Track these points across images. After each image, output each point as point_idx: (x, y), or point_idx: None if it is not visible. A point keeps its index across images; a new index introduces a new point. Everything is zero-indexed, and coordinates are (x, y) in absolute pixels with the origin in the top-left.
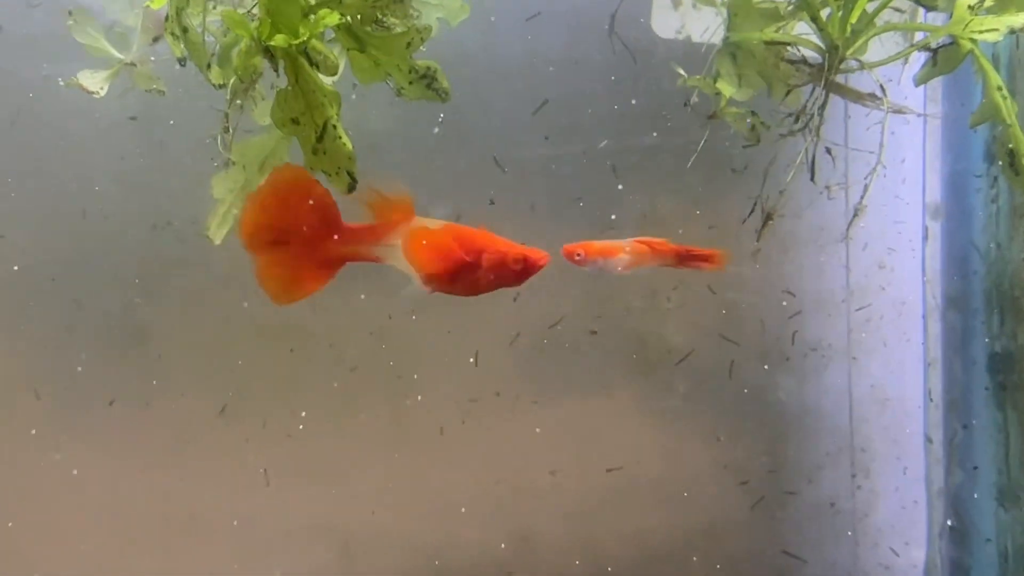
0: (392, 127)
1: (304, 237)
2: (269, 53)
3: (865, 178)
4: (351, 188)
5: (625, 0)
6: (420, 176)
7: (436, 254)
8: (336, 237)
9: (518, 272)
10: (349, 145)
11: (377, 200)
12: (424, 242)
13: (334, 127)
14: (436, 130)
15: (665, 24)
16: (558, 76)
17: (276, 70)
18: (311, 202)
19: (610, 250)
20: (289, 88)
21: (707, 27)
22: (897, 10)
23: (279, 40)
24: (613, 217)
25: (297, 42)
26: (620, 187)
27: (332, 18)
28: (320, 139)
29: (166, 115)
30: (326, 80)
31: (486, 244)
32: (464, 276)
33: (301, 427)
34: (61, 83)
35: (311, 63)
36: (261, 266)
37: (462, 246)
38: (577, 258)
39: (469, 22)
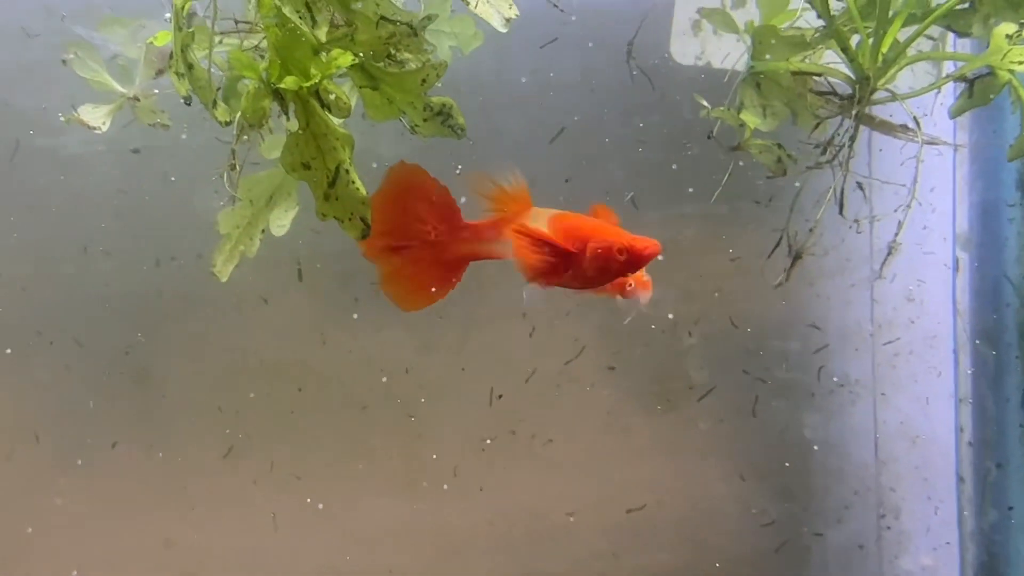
0: (408, 155)
1: (426, 239)
2: (279, 95)
3: (896, 211)
4: (364, 234)
5: (643, 26)
6: None
7: (534, 247)
8: (458, 236)
9: (624, 263)
10: (363, 190)
11: (495, 192)
12: (522, 235)
13: (347, 171)
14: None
15: (684, 50)
16: (575, 103)
17: (286, 113)
18: (430, 201)
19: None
20: (300, 131)
21: (727, 53)
22: (928, 37)
23: (290, 83)
24: None
25: (308, 84)
26: (639, 216)
27: (345, 59)
28: (332, 184)
29: (170, 147)
30: (338, 121)
31: (592, 234)
32: (567, 269)
33: (310, 468)
34: (62, 118)
35: (323, 105)
36: (384, 275)
37: (566, 237)
38: (629, 288)
39: (483, 49)
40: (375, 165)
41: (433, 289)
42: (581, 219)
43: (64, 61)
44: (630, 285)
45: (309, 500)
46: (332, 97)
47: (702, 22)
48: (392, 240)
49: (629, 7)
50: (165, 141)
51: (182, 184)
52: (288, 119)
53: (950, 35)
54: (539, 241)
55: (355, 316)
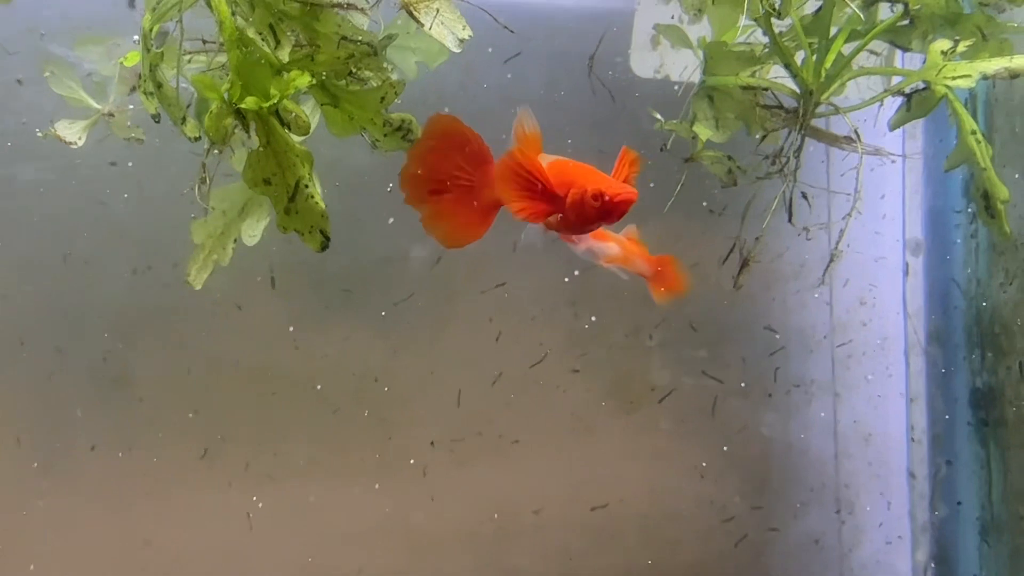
0: (377, 164)
1: (462, 184)
2: (240, 115)
3: (842, 220)
4: (324, 246)
5: (604, 40)
6: (400, 215)
7: (517, 184)
8: (489, 182)
9: (598, 210)
10: (322, 204)
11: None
12: (510, 172)
13: (306, 187)
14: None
15: (644, 64)
16: (538, 116)
17: (247, 131)
18: (465, 150)
19: (602, 236)
20: (260, 149)
21: (685, 66)
22: (873, 52)
23: (250, 103)
24: None
25: (268, 104)
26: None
27: (303, 80)
28: (292, 199)
29: (146, 160)
30: (297, 139)
31: (577, 180)
32: (551, 209)
33: (284, 469)
34: (39, 133)
35: (282, 123)
36: (426, 216)
37: (556, 179)
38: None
39: (449, 63)
40: (390, 187)
41: (471, 229)
42: (578, 167)
43: (19, 81)
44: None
45: (283, 500)
46: (292, 116)
47: (660, 36)
48: (431, 185)
49: (591, 22)
50: (141, 154)
51: (158, 195)
52: (249, 137)
53: (898, 50)
54: (525, 173)
55: (328, 322)
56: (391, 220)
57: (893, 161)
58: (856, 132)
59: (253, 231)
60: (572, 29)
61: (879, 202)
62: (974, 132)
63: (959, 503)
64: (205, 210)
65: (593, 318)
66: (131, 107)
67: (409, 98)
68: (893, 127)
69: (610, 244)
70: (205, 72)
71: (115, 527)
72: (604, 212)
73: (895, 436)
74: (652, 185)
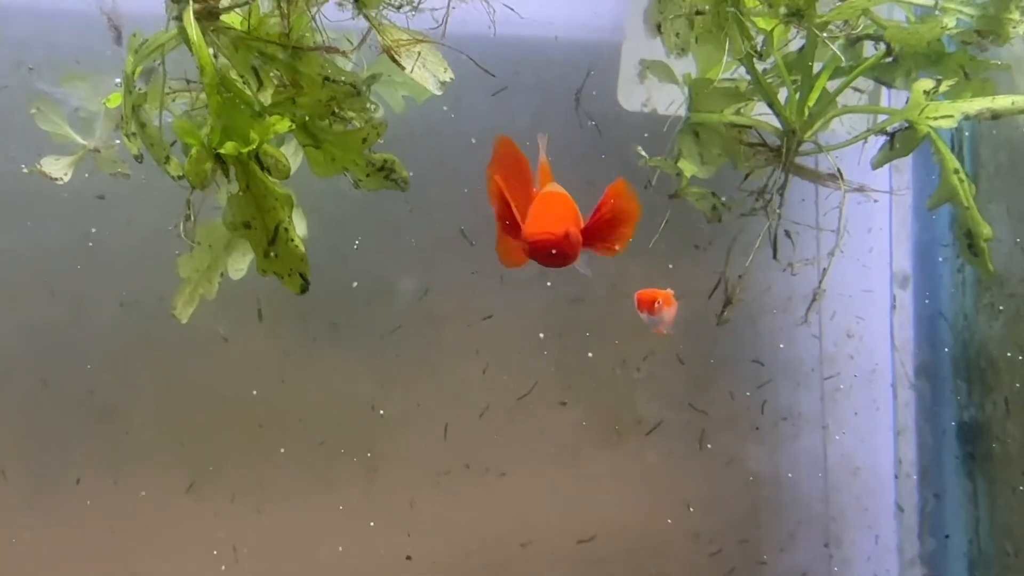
0: (364, 197)
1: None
2: (220, 159)
3: (825, 259)
4: (304, 289)
5: (591, 74)
6: (387, 249)
7: (499, 215)
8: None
9: (528, 250)
10: (302, 248)
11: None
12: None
13: (286, 230)
14: (409, 209)
15: (631, 98)
16: (525, 149)
17: (227, 176)
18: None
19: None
20: (240, 193)
21: (672, 100)
22: (857, 90)
23: (229, 148)
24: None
25: (247, 149)
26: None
27: (283, 125)
28: (272, 242)
29: (134, 193)
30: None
31: (534, 214)
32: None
33: (270, 502)
34: (24, 170)
35: (262, 167)
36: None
37: (528, 213)
38: (656, 306)
39: (436, 97)
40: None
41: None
42: (552, 201)
43: None
44: (658, 303)
45: (269, 533)
46: (271, 160)
47: (647, 71)
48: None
49: (579, 55)
50: (129, 188)
51: (145, 229)
52: (229, 181)
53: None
54: (503, 206)
55: (314, 354)
56: (378, 253)
57: (876, 200)
58: (839, 170)
59: (239, 265)
60: (560, 62)
61: (866, 235)
62: (957, 171)
63: (947, 536)
64: (190, 244)
65: (580, 350)
66: (117, 142)
67: (395, 131)
68: (876, 166)
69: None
70: (190, 111)
71: (101, 560)
72: (532, 252)
73: (883, 469)
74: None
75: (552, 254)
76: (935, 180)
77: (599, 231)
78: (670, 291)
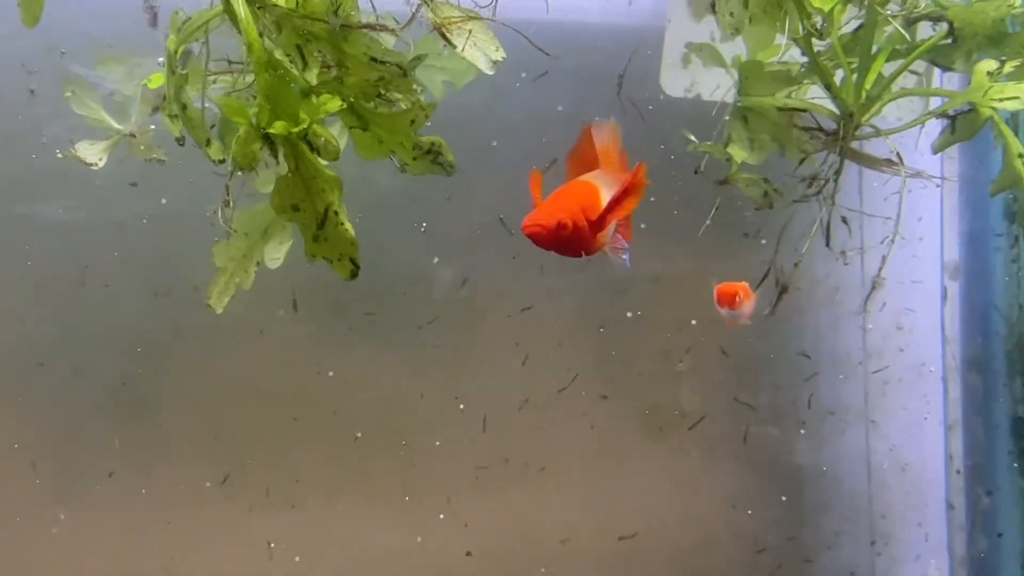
0: (401, 185)
1: None
2: (268, 139)
3: (882, 244)
4: (354, 275)
5: (635, 59)
6: (427, 236)
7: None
8: None
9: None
10: (351, 231)
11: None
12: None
13: (335, 213)
14: (448, 197)
15: (674, 83)
16: (566, 136)
17: (276, 156)
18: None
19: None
20: (289, 175)
21: (717, 85)
22: (913, 72)
23: (278, 127)
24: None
25: (297, 129)
26: (631, 249)
27: (334, 103)
28: (322, 226)
29: (167, 181)
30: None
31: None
32: None
33: (305, 496)
34: (59, 154)
35: (311, 148)
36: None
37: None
38: (738, 300)
39: (476, 83)
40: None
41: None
42: (571, 192)
43: (32, 91)
44: (739, 297)
45: (303, 527)
46: (321, 141)
47: (691, 55)
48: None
49: (620, 40)
50: (163, 175)
51: (179, 217)
52: (278, 162)
53: (936, 69)
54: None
55: (349, 345)
56: (416, 242)
57: (938, 185)
58: (898, 155)
59: (276, 254)
60: (601, 48)
61: (916, 225)
62: (1021, 155)
63: (1000, 535)
64: (227, 232)
65: (622, 342)
66: (152, 127)
67: (435, 117)
68: (937, 150)
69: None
70: (230, 93)
71: (132, 554)
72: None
73: (932, 465)
74: (666, 199)
75: (554, 244)
76: (987, 167)
77: (616, 218)
78: (745, 284)
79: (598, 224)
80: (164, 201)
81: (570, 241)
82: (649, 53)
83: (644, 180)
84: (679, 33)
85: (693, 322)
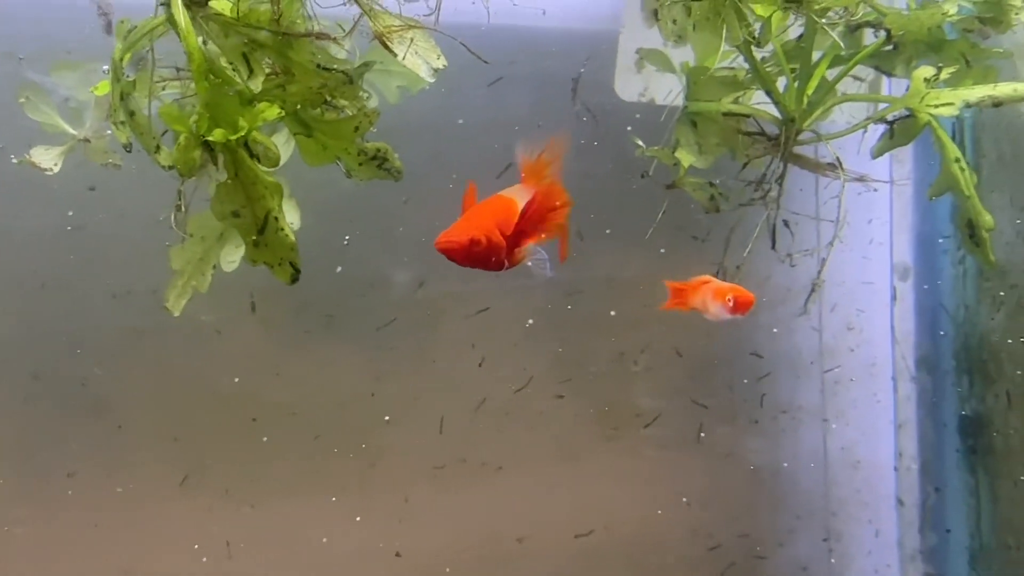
0: (359, 188)
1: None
2: (208, 147)
3: (824, 249)
4: (294, 279)
5: (588, 64)
6: (385, 239)
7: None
8: None
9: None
10: (292, 236)
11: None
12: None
13: (276, 219)
14: (405, 200)
15: (628, 87)
16: (522, 140)
17: (216, 164)
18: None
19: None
20: (228, 181)
21: (670, 90)
22: (856, 78)
23: (217, 135)
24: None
25: (236, 136)
26: (584, 247)
27: (272, 112)
28: (262, 231)
29: (125, 184)
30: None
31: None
32: None
33: (265, 496)
34: (14, 160)
35: (251, 155)
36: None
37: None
38: (728, 303)
39: (431, 88)
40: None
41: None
42: (486, 208)
43: None
44: (729, 300)
45: (263, 527)
46: (261, 148)
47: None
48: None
49: (575, 45)
50: (121, 179)
51: (137, 220)
52: (218, 169)
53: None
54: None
55: (308, 346)
56: (373, 244)
57: (875, 189)
58: (838, 159)
59: (232, 257)
60: (556, 52)
61: (866, 227)
62: (958, 160)
63: (948, 531)
64: (182, 239)
65: (577, 343)
66: (108, 132)
67: (390, 122)
68: (876, 155)
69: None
70: (179, 100)
71: (93, 555)
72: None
73: (883, 463)
74: (619, 202)
75: (468, 260)
76: (936, 170)
77: (531, 231)
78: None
79: (515, 239)
80: (122, 205)
81: (484, 256)
82: (604, 58)
83: (557, 196)
84: (633, 38)
85: (648, 323)
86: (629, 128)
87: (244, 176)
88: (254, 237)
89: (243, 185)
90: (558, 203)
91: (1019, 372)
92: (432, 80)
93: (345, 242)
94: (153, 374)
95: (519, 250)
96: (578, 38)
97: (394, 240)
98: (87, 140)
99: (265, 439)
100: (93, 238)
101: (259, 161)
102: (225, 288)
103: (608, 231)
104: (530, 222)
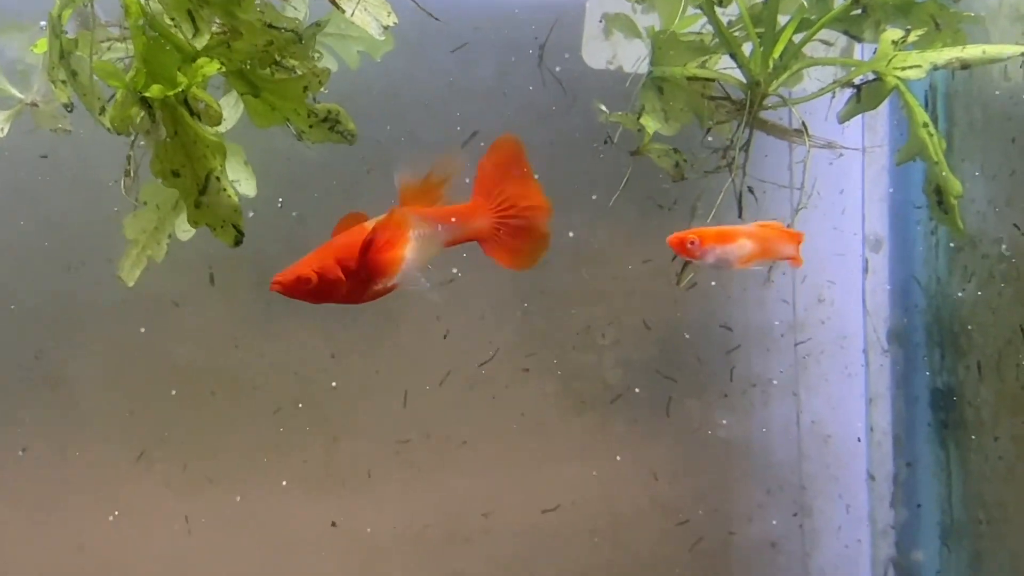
0: (321, 157)
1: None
2: (146, 103)
3: (789, 218)
4: (237, 242)
5: (555, 30)
6: (348, 208)
7: None
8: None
9: None
10: (235, 198)
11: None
12: None
13: (218, 179)
14: (368, 170)
15: (596, 54)
16: (487, 108)
17: (154, 120)
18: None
19: (728, 236)
20: (168, 140)
21: (639, 57)
22: (826, 43)
23: (155, 91)
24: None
25: (174, 92)
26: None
27: (211, 67)
28: (203, 192)
29: (78, 152)
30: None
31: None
32: None
33: (224, 472)
34: None
35: (192, 113)
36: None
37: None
38: (690, 246)
39: (395, 54)
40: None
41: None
42: (338, 241)
43: None
44: (693, 242)
45: (222, 503)
46: (202, 105)
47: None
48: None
49: (542, 11)
50: (74, 146)
51: (91, 189)
52: (157, 127)
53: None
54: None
55: (271, 319)
56: (336, 214)
57: (841, 155)
58: (804, 125)
59: (187, 226)
60: (522, 19)
61: (838, 197)
62: (926, 125)
63: (919, 506)
64: (135, 204)
65: (544, 316)
66: None
67: (353, 89)
68: (843, 119)
69: (739, 243)
70: (122, 60)
71: (47, 532)
72: None
73: (854, 437)
74: (586, 170)
75: (304, 296)
76: (906, 138)
77: (373, 266)
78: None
79: (363, 271)
80: (76, 173)
81: (325, 292)
82: (571, 24)
83: (532, 199)
84: (600, 4)
85: (615, 295)
86: (598, 97)
87: (184, 134)
88: (195, 198)
89: (183, 144)
90: (537, 205)
91: (990, 344)
92: (382, 37)
93: (307, 208)
94: (109, 347)
95: (384, 279)
96: (545, 4)
97: (357, 209)
98: (35, 104)
99: (224, 413)
100: (46, 207)
101: (200, 119)
102: (183, 259)
103: (575, 201)
104: (371, 256)
